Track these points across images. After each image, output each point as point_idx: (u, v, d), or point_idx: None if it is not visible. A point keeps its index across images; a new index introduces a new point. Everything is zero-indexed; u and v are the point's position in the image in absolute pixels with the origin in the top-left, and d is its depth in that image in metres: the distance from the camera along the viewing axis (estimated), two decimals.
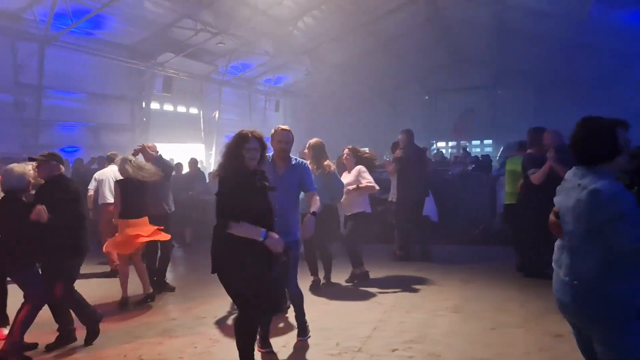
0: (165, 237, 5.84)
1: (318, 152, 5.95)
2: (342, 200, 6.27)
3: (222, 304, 5.74)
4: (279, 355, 4.18)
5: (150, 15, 13.46)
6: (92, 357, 4.32)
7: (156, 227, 5.78)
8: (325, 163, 5.91)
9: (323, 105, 21.58)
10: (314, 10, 16.65)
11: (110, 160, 7.58)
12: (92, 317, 4.59)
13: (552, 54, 18.35)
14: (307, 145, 6.05)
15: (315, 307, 4.28)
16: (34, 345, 4.48)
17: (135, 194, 5.69)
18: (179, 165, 10.77)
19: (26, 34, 11.55)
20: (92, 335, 4.58)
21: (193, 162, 10.60)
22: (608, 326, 2.41)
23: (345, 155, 6.81)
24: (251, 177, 3.41)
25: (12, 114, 11.65)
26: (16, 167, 4.38)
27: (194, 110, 18.06)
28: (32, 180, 4.43)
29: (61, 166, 4.58)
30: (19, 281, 4.29)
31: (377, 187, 6.60)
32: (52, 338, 4.54)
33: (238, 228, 3.27)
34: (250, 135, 3.43)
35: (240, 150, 3.37)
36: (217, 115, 18.62)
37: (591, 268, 2.42)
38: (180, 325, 5.11)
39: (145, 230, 5.66)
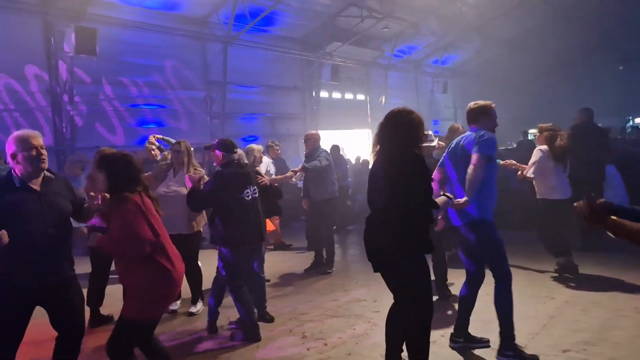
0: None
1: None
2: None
3: (381, 288, 5.81)
4: (437, 346, 4.09)
5: (318, 7, 14.02)
6: (269, 329, 4.72)
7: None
8: None
9: (495, 83, 20.30)
10: None
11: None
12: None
13: None
14: None
15: (479, 299, 4.07)
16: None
17: None
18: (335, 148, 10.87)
19: (212, 36, 12.90)
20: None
21: (335, 149, 10.78)
22: None
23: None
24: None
25: (204, 108, 13.19)
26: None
27: (360, 97, 18.40)
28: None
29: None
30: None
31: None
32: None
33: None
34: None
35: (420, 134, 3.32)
36: (383, 100, 18.72)
37: None
38: (341, 307, 5.32)
39: None
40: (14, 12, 9.28)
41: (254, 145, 6.75)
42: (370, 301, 5.42)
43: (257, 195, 4.57)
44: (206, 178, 4.76)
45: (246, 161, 5.18)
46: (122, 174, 3.07)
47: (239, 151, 4.96)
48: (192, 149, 5.29)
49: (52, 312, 3.14)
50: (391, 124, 3.36)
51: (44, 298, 3.07)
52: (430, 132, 5.54)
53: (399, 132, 3.28)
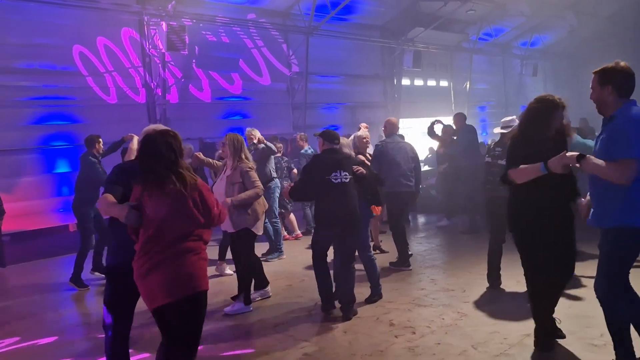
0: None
1: None
2: None
3: (470, 277, 5.67)
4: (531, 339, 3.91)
5: None
6: (356, 315, 4.77)
7: None
8: None
9: (592, 65, 18.85)
10: None
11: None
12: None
13: None
14: None
15: (571, 292, 3.84)
16: None
17: None
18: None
19: (294, 28, 13.07)
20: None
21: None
22: None
23: None
24: (545, 145, 3.47)
25: (285, 99, 13.43)
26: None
27: (444, 83, 17.88)
28: None
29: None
30: None
31: None
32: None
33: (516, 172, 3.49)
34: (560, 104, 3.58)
35: (549, 117, 3.54)
36: (468, 86, 18.09)
37: None
38: (429, 296, 5.23)
39: None
40: (110, 13, 9.90)
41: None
42: (458, 291, 5.29)
43: (347, 180, 4.75)
44: (249, 168, 5.05)
45: (347, 151, 5.15)
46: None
47: (344, 141, 5.22)
48: (239, 141, 5.16)
49: None
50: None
51: None
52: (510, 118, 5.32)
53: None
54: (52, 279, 7.04)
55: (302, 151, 8.80)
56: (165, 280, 2.75)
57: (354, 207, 4.79)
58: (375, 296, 5.16)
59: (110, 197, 2.97)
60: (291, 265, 6.83)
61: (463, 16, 15.58)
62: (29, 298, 6.14)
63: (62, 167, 9.61)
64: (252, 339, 4.48)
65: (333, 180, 4.69)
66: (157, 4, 10.28)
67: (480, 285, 5.32)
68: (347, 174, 4.76)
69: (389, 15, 14.63)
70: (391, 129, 6.56)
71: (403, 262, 6.30)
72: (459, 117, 9.34)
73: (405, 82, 16.40)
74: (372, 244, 6.96)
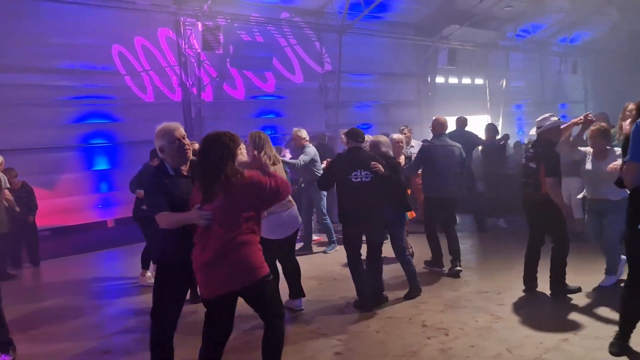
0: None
1: None
2: None
3: (504, 280, 5.56)
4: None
5: None
6: (388, 315, 4.72)
7: None
8: None
9: (636, 62, 18.24)
10: None
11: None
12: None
13: None
14: None
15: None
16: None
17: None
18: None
19: (328, 26, 13.05)
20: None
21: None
22: None
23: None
24: None
25: (318, 98, 13.44)
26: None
27: (479, 81, 17.57)
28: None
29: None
30: None
31: None
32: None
33: None
34: None
35: None
36: (504, 84, 17.72)
37: None
38: (462, 297, 5.15)
39: None
40: (146, 13, 10.10)
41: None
42: (493, 293, 5.19)
43: (368, 179, 4.78)
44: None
45: (384, 149, 5.17)
46: None
47: (382, 139, 5.30)
48: (260, 137, 4.91)
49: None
50: None
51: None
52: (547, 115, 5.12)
53: None
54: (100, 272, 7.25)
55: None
56: (229, 270, 2.96)
57: (374, 206, 4.83)
58: (413, 292, 5.20)
59: (168, 214, 3.12)
60: (323, 264, 6.83)
61: (499, 13, 15.25)
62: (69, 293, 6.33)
63: (101, 165, 9.88)
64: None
65: (353, 179, 4.77)
66: (193, 4, 10.43)
67: (515, 289, 5.19)
68: (368, 173, 4.78)
69: (423, 12, 14.44)
70: (439, 128, 6.25)
71: (437, 262, 6.19)
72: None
73: (440, 80, 16.20)
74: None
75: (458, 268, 5.95)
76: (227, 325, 3.12)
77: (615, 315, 3.84)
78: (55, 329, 4.93)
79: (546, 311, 4.63)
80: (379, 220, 4.96)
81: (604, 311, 4.46)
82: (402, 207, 5.28)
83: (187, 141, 3.33)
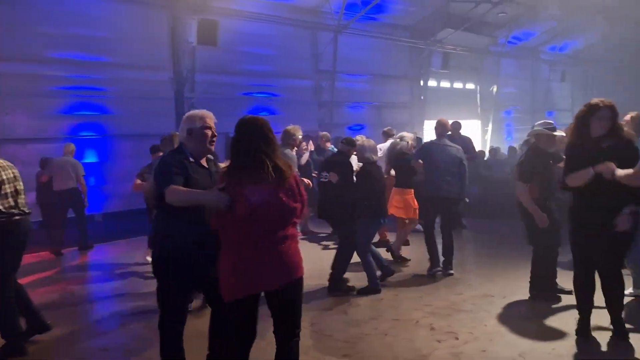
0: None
1: None
2: None
3: (509, 284, 5.51)
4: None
5: None
6: (394, 317, 4.65)
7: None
8: None
9: (624, 71, 18.52)
10: None
11: (386, 135, 8.30)
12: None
13: None
14: None
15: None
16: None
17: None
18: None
19: (323, 26, 12.97)
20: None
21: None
22: None
23: None
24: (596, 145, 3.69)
25: (312, 97, 13.34)
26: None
27: (470, 86, 17.67)
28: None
29: None
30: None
31: None
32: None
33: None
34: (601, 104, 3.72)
35: (588, 120, 3.74)
36: (495, 90, 17.84)
37: None
38: (467, 301, 5.08)
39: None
40: (142, 6, 9.89)
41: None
42: (498, 297, 5.12)
43: (326, 180, 5.41)
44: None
45: (367, 155, 5.57)
46: None
47: (369, 144, 5.62)
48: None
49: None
50: None
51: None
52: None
53: None
54: None
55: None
56: (271, 267, 2.75)
57: (331, 205, 5.36)
58: (371, 289, 5.38)
59: (180, 189, 2.87)
60: (320, 263, 6.68)
61: (493, 19, 15.36)
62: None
63: (90, 157, 9.63)
64: None
65: (322, 179, 5.47)
66: None
67: (521, 294, 5.12)
68: (327, 175, 5.41)
69: (419, 15, 14.48)
70: (441, 130, 6.25)
71: (433, 263, 6.09)
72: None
73: (432, 83, 16.25)
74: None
75: (450, 272, 5.93)
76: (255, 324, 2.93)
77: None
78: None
79: (556, 317, 4.56)
80: (342, 216, 5.39)
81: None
82: (371, 208, 5.49)
83: (216, 133, 3.19)
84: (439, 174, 5.94)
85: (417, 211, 6.55)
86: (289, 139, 6.13)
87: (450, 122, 6.95)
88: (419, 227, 7.07)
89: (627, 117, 4.98)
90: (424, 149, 6.24)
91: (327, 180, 5.39)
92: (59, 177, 7.61)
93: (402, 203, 6.52)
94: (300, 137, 6.48)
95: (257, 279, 2.75)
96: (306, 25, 12.71)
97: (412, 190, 6.54)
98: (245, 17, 11.27)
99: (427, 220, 6.22)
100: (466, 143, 8.58)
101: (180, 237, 2.99)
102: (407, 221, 6.71)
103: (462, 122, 16.18)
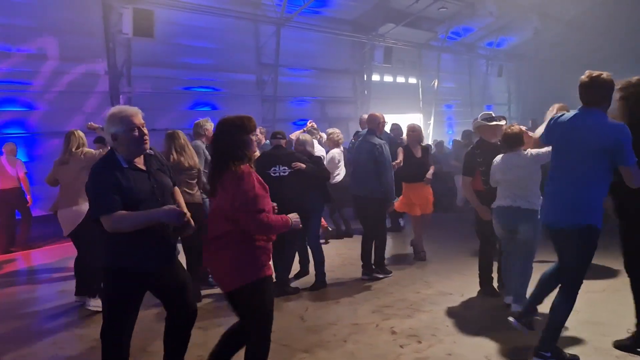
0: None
1: None
2: None
3: (465, 281, 5.48)
4: None
5: None
6: (353, 322, 4.45)
7: None
8: None
9: (555, 67, 19.29)
10: None
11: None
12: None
13: None
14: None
15: (581, 296, 3.60)
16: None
17: None
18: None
19: (266, 18, 12.60)
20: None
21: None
22: None
23: None
24: None
25: (255, 91, 12.95)
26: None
27: (412, 80, 17.82)
28: None
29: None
30: None
31: None
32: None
33: None
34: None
35: None
36: (436, 84, 18.11)
37: None
38: (426, 300, 4.99)
39: None
40: None
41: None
42: (456, 295, 5.06)
43: (285, 174, 5.20)
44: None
45: (308, 149, 5.75)
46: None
47: (307, 139, 5.80)
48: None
49: (165, 294, 3.04)
50: None
51: (159, 282, 2.96)
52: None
53: None
54: None
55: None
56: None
57: (290, 198, 4.81)
58: (318, 284, 5.43)
59: (129, 214, 2.71)
60: None
61: (433, 14, 15.51)
62: None
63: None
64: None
65: (272, 174, 5.16)
66: None
67: (477, 290, 5.10)
68: (286, 168, 5.23)
69: (360, 9, 14.37)
70: (362, 125, 6.24)
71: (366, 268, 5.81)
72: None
73: (375, 77, 16.24)
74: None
75: (379, 275, 5.76)
76: None
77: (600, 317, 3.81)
78: None
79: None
80: (294, 211, 4.96)
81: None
82: (323, 196, 5.66)
83: (146, 130, 2.87)
84: (352, 171, 5.98)
85: (420, 205, 6.48)
86: (199, 130, 5.94)
87: (387, 116, 6.64)
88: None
89: (553, 107, 4.90)
90: (350, 145, 6.37)
91: (284, 174, 5.20)
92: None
93: (406, 199, 6.56)
94: (210, 127, 6.05)
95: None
96: (247, 17, 12.30)
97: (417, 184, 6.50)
98: (183, 8, 10.73)
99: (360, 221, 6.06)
100: (393, 138, 8.05)
101: (129, 253, 2.79)
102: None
103: (405, 116, 16.50)
